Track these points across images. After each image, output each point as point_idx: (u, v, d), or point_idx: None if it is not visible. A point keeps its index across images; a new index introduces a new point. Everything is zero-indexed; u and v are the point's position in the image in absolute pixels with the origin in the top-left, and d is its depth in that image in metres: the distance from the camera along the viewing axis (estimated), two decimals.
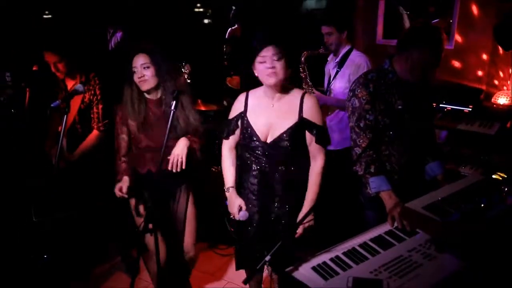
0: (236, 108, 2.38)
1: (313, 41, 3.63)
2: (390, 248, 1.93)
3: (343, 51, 3.44)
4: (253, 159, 2.31)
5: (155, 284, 2.90)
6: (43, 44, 3.00)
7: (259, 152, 2.28)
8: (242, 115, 2.33)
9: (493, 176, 2.49)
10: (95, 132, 3.18)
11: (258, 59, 2.17)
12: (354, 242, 1.98)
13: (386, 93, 2.37)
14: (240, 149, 2.44)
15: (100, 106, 3.15)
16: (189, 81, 3.38)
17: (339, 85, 3.45)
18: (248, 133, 2.30)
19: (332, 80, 3.51)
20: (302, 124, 2.24)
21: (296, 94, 2.30)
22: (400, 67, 2.36)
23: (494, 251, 1.80)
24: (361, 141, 2.38)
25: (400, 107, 2.38)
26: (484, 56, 4.28)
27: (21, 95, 3.30)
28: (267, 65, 2.15)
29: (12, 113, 3.51)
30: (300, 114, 2.25)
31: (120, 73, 2.58)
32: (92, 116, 3.16)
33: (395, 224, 2.11)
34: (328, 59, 3.69)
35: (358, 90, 2.38)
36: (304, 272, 1.78)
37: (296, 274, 1.77)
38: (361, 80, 2.41)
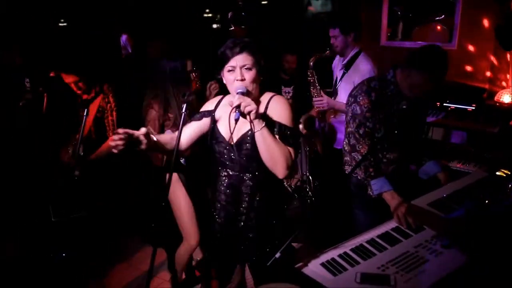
0: (207, 106, 2.20)
1: (319, 44, 3.62)
2: (397, 244, 1.92)
3: (351, 53, 3.39)
4: (221, 165, 2.12)
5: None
6: (61, 68, 3.08)
7: (225, 156, 2.08)
8: (212, 113, 2.14)
9: (497, 173, 2.47)
10: (111, 139, 3.20)
11: (227, 67, 1.96)
12: (362, 239, 1.98)
13: (386, 103, 2.36)
14: (210, 157, 2.22)
15: (115, 114, 3.19)
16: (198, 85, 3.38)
17: (345, 88, 3.42)
18: (214, 132, 2.11)
19: (339, 81, 3.49)
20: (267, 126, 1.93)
21: (265, 97, 2.08)
22: (401, 82, 2.34)
23: (498, 247, 1.78)
24: (360, 147, 2.38)
25: (397, 118, 2.37)
26: (487, 56, 4.24)
27: (39, 100, 3.34)
28: (235, 75, 1.94)
29: (31, 117, 3.56)
30: (265, 115, 2.01)
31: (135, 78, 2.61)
32: (107, 124, 3.21)
33: (401, 223, 2.11)
34: (336, 57, 3.66)
35: (360, 98, 2.36)
36: (313, 268, 1.78)
37: (305, 270, 1.77)
38: (364, 87, 2.39)
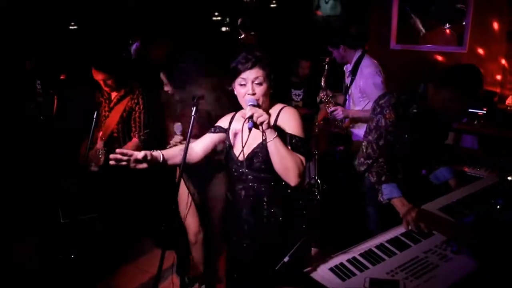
0: (222, 122, 2.25)
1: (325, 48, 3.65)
2: (406, 250, 1.91)
3: (354, 58, 3.47)
4: (236, 181, 2.14)
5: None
6: (93, 63, 3.07)
7: (240, 171, 2.09)
8: (226, 131, 2.20)
9: (509, 178, 2.44)
10: (134, 140, 3.21)
11: (238, 80, 2.00)
12: (371, 244, 1.97)
13: (412, 118, 2.33)
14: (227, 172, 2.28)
15: (142, 116, 3.19)
16: None
17: (354, 94, 3.51)
18: (228, 151, 2.16)
19: (349, 87, 3.54)
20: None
21: (275, 108, 2.11)
22: (433, 100, 2.28)
23: (509, 254, 1.76)
24: (374, 155, 2.38)
25: (420, 133, 2.37)
26: (498, 59, 4.21)
27: (50, 102, 3.37)
28: (247, 89, 1.98)
29: (41, 119, 3.59)
30: (275, 126, 2.03)
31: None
32: (133, 125, 3.21)
33: (410, 227, 2.09)
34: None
35: (387, 111, 2.33)
36: (322, 273, 1.78)
37: (314, 275, 1.77)
38: (393, 100, 2.35)
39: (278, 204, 2.10)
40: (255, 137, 1.95)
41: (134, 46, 5.63)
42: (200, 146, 2.19)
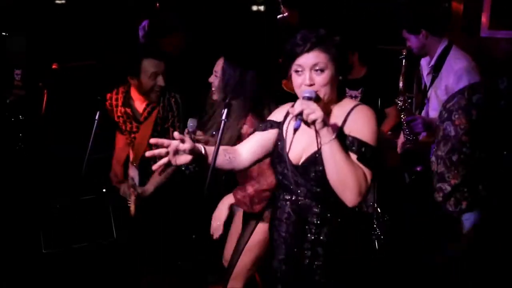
0: (276, 115, 2.30)
1: (396, 33, 3.63)
2: None
3: (438, 50, 3.37)
4: (283, 189, 2.19)
5: None
6: (148, 53, 3.14)
7: (289, 179, 2.12)
8: (279, 125, 2.23)
9: None
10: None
11: (294, 67, 2.04)
12: None
13: (492, 122, 2.31)
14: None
15: (176, 125, 3.19)
16: None
17: (436, 97, 3.41)
18: (279, 151, 2.18)
19: (429, 89, 3.48)
20: (341, 141, 1.99)
21: (345, 106, 2.14)
22: None
23: None
24: (450, 177, 2.34)
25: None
26: None
27: (36, 97, 3.45)
28: (304, 78, 2.03)
29: (21, 119, 3.69)
30: (342, 128, 2.07)
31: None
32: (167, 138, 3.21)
33: None
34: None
35: (456, 116, 2.31)
36: None
37: None
38: (463, 102, 2.32)
39: (330, 227, 2.10)
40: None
41: (141, 32, 5.73)
42: (247, 148, 2.22)
